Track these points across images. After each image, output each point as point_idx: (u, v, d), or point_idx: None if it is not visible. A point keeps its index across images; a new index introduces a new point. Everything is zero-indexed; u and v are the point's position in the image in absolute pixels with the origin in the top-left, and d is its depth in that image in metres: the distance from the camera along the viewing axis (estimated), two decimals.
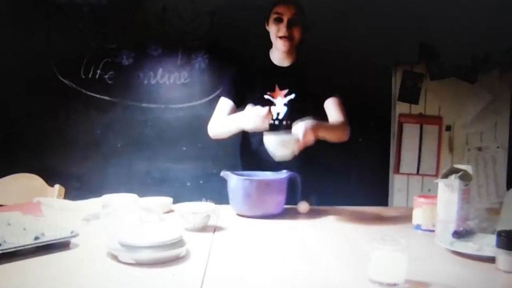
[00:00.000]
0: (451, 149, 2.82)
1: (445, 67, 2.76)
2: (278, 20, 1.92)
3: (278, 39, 1.93)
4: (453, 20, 2.60)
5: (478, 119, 2.76)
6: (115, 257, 1.08)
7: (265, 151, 1.65)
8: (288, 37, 1.91)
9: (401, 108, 2.85)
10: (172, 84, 2.82)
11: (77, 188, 2.55)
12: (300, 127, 1.57)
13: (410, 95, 2.83)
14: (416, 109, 2.85)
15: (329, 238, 1.36)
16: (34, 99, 2.78)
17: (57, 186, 2.04)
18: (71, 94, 2.79)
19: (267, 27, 2.00)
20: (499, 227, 1.20)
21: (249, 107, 1.68)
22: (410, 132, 2.85)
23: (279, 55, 2.00)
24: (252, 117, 1.64)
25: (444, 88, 2.80)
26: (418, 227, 1.46)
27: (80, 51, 2.78)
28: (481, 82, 2.77)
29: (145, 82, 2.81)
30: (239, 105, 1.95)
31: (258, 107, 1.65)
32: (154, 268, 1.03)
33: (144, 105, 2.82)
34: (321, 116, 1.89)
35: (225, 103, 1.98)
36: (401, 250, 0.95)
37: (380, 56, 2.74)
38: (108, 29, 2.78)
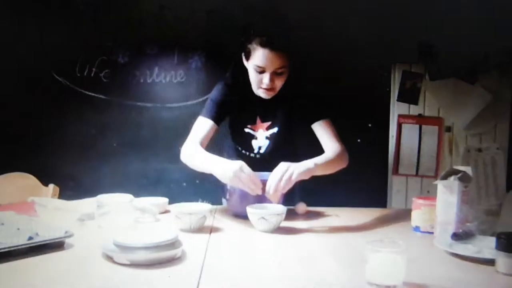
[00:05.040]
0: (450, 150, 2.82)
1: (444, 67, 2.76)
2: (260, 72, 1.65)
3: (260, 88, 1.68)
4: (453, 20, 2.60)
5: (478, 120, 2.76)
6: (110, 258, 1.07)
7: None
8: (272, 88, 1.67)
9: (400, 108, 2.85)
10: (168, 83, 2.81)
11: (72, 187, 2.53)
12: (291, 173, 1.42)
13: (409, 96, 2.83)
14: (415, 110, 2.84)
15: (327, 240, 1.35)
16: (29, 97, 2.78)
17: (51, 186, 2.04)
18: (66, 93, 2.78)
19: (245, 63, 1.72)
20: (499, 229, 1.21)
21: (235, 164, 1.44)
22: (409, 132, 2.84)
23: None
24: (229, 174, 1.42)
25: (444, 88, 2.79)
26: (417, 228, 1.45)
27: (76, 49, 2.77)
28: (480, 82, 2.77)
29: (141, 80, 2.81)
30: (220, 124, 1.78)
31: (240, 166, 1.43)
32: (150, 269, 1.02)
33: (140, 104, 2.81)
34: (308, 142, 1.76)
35: (204, 123, 1.73)
36: (400, 252, 0.94)
37: (379, 56, 2.74)
38: (104, 27, 2.77)
